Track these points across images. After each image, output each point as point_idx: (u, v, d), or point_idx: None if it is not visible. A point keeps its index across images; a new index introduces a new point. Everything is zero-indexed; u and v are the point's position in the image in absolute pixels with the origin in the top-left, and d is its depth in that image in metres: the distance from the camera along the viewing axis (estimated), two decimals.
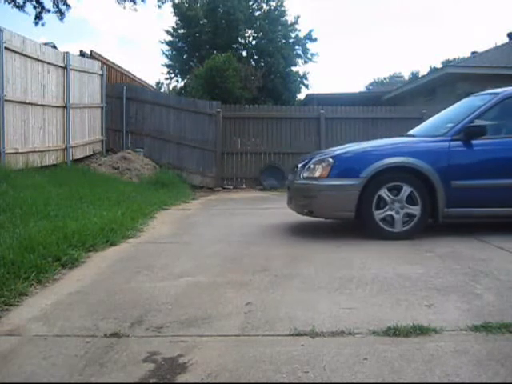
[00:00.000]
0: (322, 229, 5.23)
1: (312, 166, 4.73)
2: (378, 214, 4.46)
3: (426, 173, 4.44)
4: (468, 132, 4.58)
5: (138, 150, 11.29)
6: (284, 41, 25.78)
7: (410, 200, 4.46)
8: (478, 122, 4.61)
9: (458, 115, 5.01)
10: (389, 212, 4.47)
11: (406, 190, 4.45)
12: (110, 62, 12.77)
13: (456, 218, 4.61)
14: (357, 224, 5.37)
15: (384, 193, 4.46)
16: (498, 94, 4.87)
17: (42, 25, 13.26)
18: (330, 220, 5.23)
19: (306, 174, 4.75)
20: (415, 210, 4.46)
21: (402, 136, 5.56)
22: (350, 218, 4.59)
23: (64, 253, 3.55)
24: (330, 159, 4.63)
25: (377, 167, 4.45)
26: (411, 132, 5.70)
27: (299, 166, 5.01)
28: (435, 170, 4.45)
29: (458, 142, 4.59)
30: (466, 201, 4.53)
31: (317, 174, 4.64)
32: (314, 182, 4.63)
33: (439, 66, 26.17)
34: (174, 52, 26.32)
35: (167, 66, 26.79)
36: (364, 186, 4.43)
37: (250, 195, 10.09)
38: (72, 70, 9.49)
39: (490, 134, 4.64)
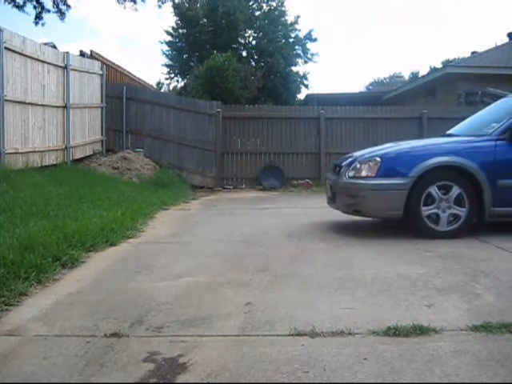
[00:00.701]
0: (322, 229, 5.23)
1: (358, 166, 4.76)
2: (425, 213, 4.49)
3: (473, 172, 4.48)
4: None
5: (138, 149, 11.29)
6: (284, 41, 25.79)
7: (458, 199, 4.50)
8: None
9: (499, 115, 5.05)
10: (435, 211, 4.50)
11: (454, 189, 4.49)
12: (110, 61, 12.77)
13: (502, 216, 4.64)
14: (356, 224, 5.37)
15: (433, 191, 4.49)
16: None
17: (42, 25, 13.27)
18: (330, 220, 5.24)
19: (351, 174, 4.77)
20: (462, 209, 4.50)
21: (443, 136, 5.58)
22: (397, 217, 4.62)
23: (64, 253, 3.55)
24: (378, 158, 4.67)
25: (425, 166, 4.49)
26: (450, 132, 5.73)
27: (343, 164, 5.02)
28: (482, 170, 4.49)
29: (504, 142, 4.63)
30: None
31: (364, 173, 4.69)
32: (362, 182, 4.67)
33: (439, 65, 26.16)
34: (174, 52, 26.32)
35: (167, 66, 26.80)
36: (412, 185, 4.47)
37: (250, 195, 10.09)
38: (72, 70, 9.48)
39: None
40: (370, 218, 5.31)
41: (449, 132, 5.76)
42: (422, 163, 4.51)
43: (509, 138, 4.64)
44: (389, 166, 4.63)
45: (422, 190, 4.49)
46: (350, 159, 5.05)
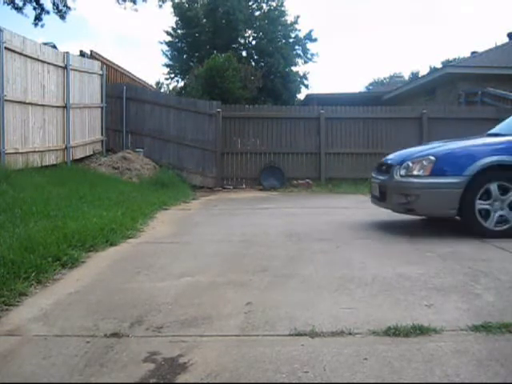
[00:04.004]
0: (322, 228, 5.23)
1: (411, 164, 4.76)
2: (479, 213, 4.48)
3: None
4: None
5: (138, 149, 11.29)
6: (284, 41, 25.82)
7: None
8: None
9: None
10: (490, 210, 4.49)
11: (509, 189, 4.49)
12: (110, 61, 12.76)
13: None
14: (356, 224, 5.37)
15: (487, 191, 4.48)
16: None
17: (42, 26, 13.29)
18: (330, 220, 5.23)
19: (403, 172, 4.77)
20: None
21: (488, 135, 5.52)
22: (452, 215, 4.63)
23: (64, 253, 3.55)
24: (432, 157, 4.66)
25: (480, 165, 4.47)
26: (494, 131, 5.67)
27: (392, 163, 5.02)
28: None
29: None
30: None
31: (417, 171, 4.68)
32: (416, 180, 4.66)
33: (439, 66, 26.18)
34: (173, 52, 26.35)
35: (167, 66, 26.82)
36: (467, 184, 4.46)
37: (250, 195, 10.09)
38: (72, 69, 9.48)
39: None
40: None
41: (492, 131, 5.70)
42: (477, 162, 4.49)
43: None
44: (443, 165, 4.63)
45: (477, 189, 4.48)
46: (396, 158, 5.04)
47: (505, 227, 4.50)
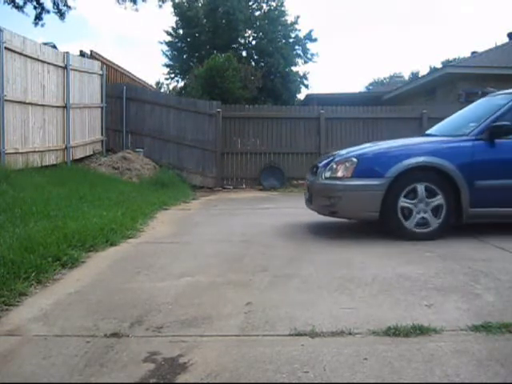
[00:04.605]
0: (322, 229, 5.23)
1: (335, 166, 4.70)
2: (402, 215, 4.44)
3: (450, 173, 4.44)
4: (492, 131, 4.56)
5: (138, 149, 11.29)
6: (284, 41, 25.80)
7: (435, 201, 4.45)
8: (501, 122, 4.59)
9: (479, 115, 4.98)
10: (414, 213, 4.44)
11: (431, 190, 4.45)
12: (110, 61, 12.76)
13: (480, 218, 4.58)
14: (356, 224, 5.37)
15: (409, 192, 4.44)
16: None
17: (42, 26, 13.28)
18: (330, 220, 5.23)
19: (328, 174, 4.72)
20: (440, 211, 4.45)
21: (422, 136, 5.53)
22: (374, 218, 4.56)
23: (64, 253, 3.55)
24: (354, 159, 4.61)
25: (402, 167, 4.43)
26: (430, 131, 5.68)
27: (320, 165, 4.98)
28: (459, 170, 4.44)
29: (482, 142, 4.58)
30: (490, 201, 4.52)
31: (340, 173, 4.63)
32: (338, 183, 4.61)
33: (439, 66, 26.17)
34: (173, 52, 26.34)
35: (167, 66, 26.81)
36: (389, 185, 4.41)
37: (250, 195, 10.09)
38: (72, 70, 9.48)
39: None
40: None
41: (428, 132, 5.68)
42: (399, 164, 4.43)
43: (487, 139, 4.56)
44: (365, 167, 4.56)
45: (399, 191, 4.42)
46: (327, 160, 4.98)
47: (425, 230, 4.44)
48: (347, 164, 4.60)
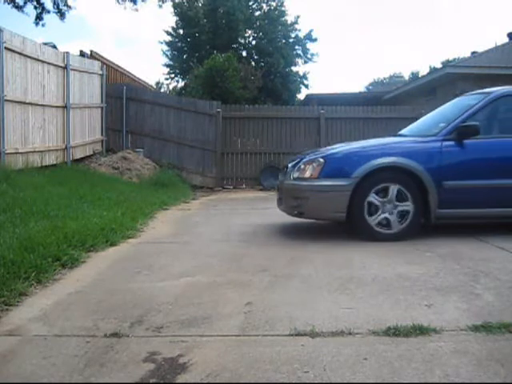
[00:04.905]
0: (322, 229, 5.22)
1: (302, 167, 4.65)
2: (370, 216, 4.39)
3: (417, 173, 4.39)
4: (460, 132, 4.53)
5: (138, 150, 11.29)
6: (284, 41, 25.78)
7: (402, 201, 4.41)
8: (470, 122, 4.56)
9: (449, 115, 4.94)
10: (381, 214, 4.40)
11: (399, 190, 4.39)
12: (110, 61, 12.77)
13: (448, 219, 4.55)
14: None
15: (375, 194, 4.39)
16: (490, 93, 4.82)
17: (43, 25, 13.28)
18: (330, 220, 5.22)
19: (296, 175, 4.68)
20: (406, 211, 4.41)
21: (394, 136, 5.47)
22: (341, 219, 4.50)
23: (64, 253, 3.55)
24: (321, 159, 4.56)
25: (368, 167, 4.38)
26: (403, 132, 5.63)
27: (289, 166, 4.95)
28: (427, 171, 4.39)
29: (450, 142, 4.54)
30: (458, 201, 4.48)
31: (307, 174, 4.57)
32: (305, 183, 4.56)
33: (439, 66, 26.16)
34: (173, 52, 26.33)
35: (167, 65, 26.80)
36: (355, 186, 4.36)
37: (250, 195, 10.09)
38: (72, 70, 9.48)
39: (482, 133, 4.57)
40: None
41: (401, 132, 5.63)
42: (366, 164, 4.38)
43: (455, 139, 4.53)
44: (332, 167, 4.52)
45: (367, 192, 4.38)
46: (296, 160, 4.95)
47: (391, 231, 4.40)
48: (314, 164, 4.56)
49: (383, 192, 4.41)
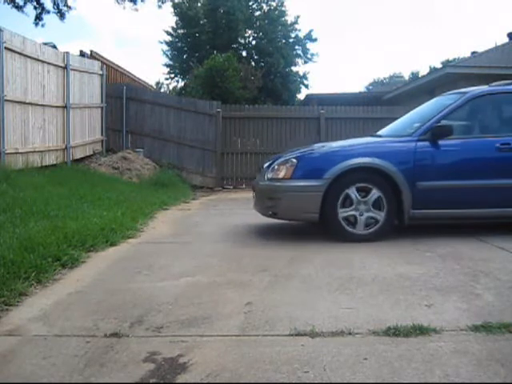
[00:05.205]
0: (322, 229, 5.21)
1: (276, 167, 4.63)
2: (342, 216, 4.37)
3: (391, 174, 4.35)
4: (434, 132, 4.50)
5: (138, 150, 11.29)
6: (284, 41, 25.81)
7: (375, 202, 4.38)
8: (444, 122, 4.53)
9: (425, 115, 4.90)
10: (353, 213, 4.37)
11: (371, 191, 4.36)
12: (110, 61, 12.77)
13: (422, 219, 4.53)
14: None
15: (348, 194, 4.36)
16: (465, 93, 4.81)
17: (42, 26, 13.28)
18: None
19: (270, 175, 4.67)
20: (380, 212, 4.38)
21: (372, 136, 5.42)
22: (314, 219, 4.48)
23: (64, 253, 3.55)
24: (294, 160, 4.53)
25: (341, 168, 4.34)
26: (379, 132, 5.59)
27: (264, 166, 4.94)
28: (401, 171, 4.36)
29: (425, 143, 4.51)
30: (432, 202, 4.45)
31: (281, 174, 4.55)
32: (278, 184, 4.54)
33: (439, 66, 26.16)
34: (173, 52, 26.34)
35: (167, 65, 26.82)
36: (328, 187, 4.33)
37: (250, 195, 10.02)
38: (72, 70, 9.48)
39: (456, 134, 4.57)
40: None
41: (379, 132, 5.57)
42: (338, 165, 4.34)
43: (430, 139, 4.50)
44: (305, 168, 4.49)
45: (339, 193, 4.35)
46: (271, 160, 4.93)
47: (365, 232, 4.38)
48: (287, 165, 4.54)
49: (357, 192, 4.37)
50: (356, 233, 4.39)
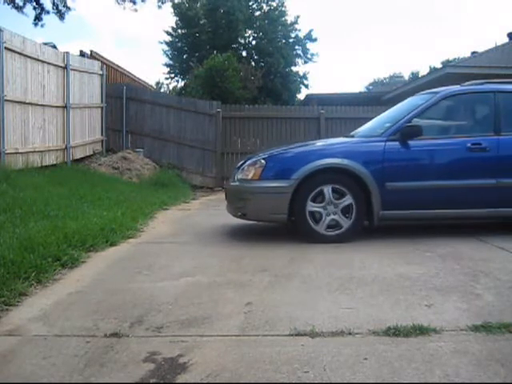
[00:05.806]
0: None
1: (246, 168, 4.63)
2: (309, 210, 4.35)
3: (359, 174, 4.33)
4: (404, 132, 4.48)
5: (138, 150, 11.29)
6: (284, 41, 25.81)
7: (345, 208, 4.35)
8: (414, 122, 4.52)
9: (397, 115, 4.88)
10: (322, 214, 4.35)
11: (339, 191, 4.35)
12: (110, 61, 12.77)
13: (392, 220, 4.53)
14: None
15: (316, 195, 4.34)
16: (436, 93, 4.79)
17: (42, 26, 13.26)
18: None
19: (240, 176, 4.67)
20: (347, 220, 4.36)
21: (345, 136, 5.40)
22: (282, 220, 4.48)
23: (64, 253, 3.55)
24: (263, 160, 4.52)
25: (310, 168, 4.32)
26: (353, 133, 5.55)
27: (236, 167, 4.94)
28: (370, 172, 4.34)
29: (394, 143, 4.48)
30: (401, 203, 4.43)
31: (250, 175, 4.54)
32: (247, 185, 4.54)
33: (439, 66, 26.16)
34: (173, 52, 26.35)
35: (167, 65, 26.82)
36: (296, 188, 4.31)
37: None
38: (72, 70, 9.48)
39: (427, 134, 4.54)
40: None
41: (353, 132, 5.56)
42: (307, 166, 4.32)
43: (400, 139, 4.48)
44: (273, 169, 4.47)
45: (306, 194, 4.33)
46: (242, 161, 4.92)
47: (335, 232, 4.36)
48: (256, 166, 4.53)
49: (323, 195, 4.35)
50: (325, 234, 4.36)
